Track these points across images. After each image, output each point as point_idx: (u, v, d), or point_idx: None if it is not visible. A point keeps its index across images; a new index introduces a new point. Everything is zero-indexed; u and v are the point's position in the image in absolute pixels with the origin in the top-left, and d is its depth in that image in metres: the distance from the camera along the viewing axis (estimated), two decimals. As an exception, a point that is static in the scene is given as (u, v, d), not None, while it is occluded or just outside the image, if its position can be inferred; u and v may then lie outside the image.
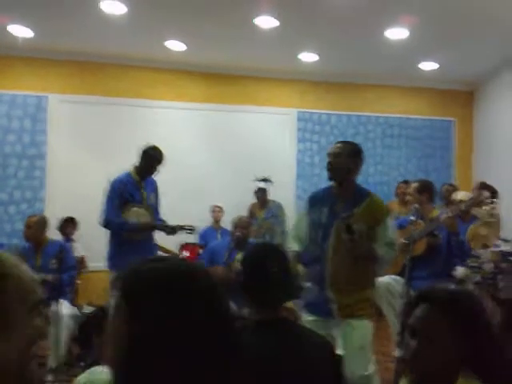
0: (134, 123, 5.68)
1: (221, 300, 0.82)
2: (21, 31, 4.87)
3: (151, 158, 3.66)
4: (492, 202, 3.54)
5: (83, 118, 5.58)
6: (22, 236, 4.50)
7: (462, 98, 6.47)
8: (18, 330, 0.80)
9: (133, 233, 3.57)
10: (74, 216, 5.10)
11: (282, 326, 1.57)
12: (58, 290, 3.42)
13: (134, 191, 3.65)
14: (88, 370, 1.72)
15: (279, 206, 5.43)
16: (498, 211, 3.69)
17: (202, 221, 5.22)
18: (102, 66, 5.61)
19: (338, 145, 2.61)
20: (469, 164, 6.44)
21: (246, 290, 1.63)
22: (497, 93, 5.95)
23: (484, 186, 3.92)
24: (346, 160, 2.53)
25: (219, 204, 5.54)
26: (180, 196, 5.45)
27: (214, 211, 5.52)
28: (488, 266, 2.76)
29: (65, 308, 3.74)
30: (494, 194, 3.80)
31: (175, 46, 5.27)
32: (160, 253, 4.23)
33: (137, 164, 3.72)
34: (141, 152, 3.69)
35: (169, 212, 4.00)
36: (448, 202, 4.23)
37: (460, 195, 3.82)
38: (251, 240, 4.06)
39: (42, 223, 4.07)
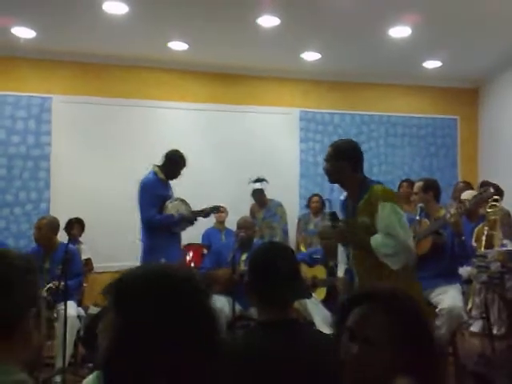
0: (138, 124, 5.70)
1: (203, 304, 0.88)
2: (24, 33, 4.88)
3: (178, 164, 3.83)
4: (496, 200, 3.53)
5: (87, 119, 5.59)
6: (27, 237, 4.50)
7: (466, 95, 6.46)
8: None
9: (176, 225, 3.77)
10: (79, 216, 5.07)
11: (292, 327, 1.57)
12: (64, 295, 3.40)
13: (164, 189, 3.83)
14: (96, 372, 1.73)
15: (278, 205, 5.42)
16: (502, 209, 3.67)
17: (206, 221, 5.22)
18: (105, 67, 5.62)
19: (329, 148, 2.63)
20: (474, 162, 6.43)
21: (254, 290, 1.63)
22: (502, 90, 5.93)
23: (485, 184, 3.90)
24: (334, 163, 2.55)
25: (222, 204, 5.54)
26: (183, 195, 5.43)
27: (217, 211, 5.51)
28: (495, 266, 2.75)
29: (71, 309, 3.74)
30: (497, 191, 3.77)
31: (178, 46, 5.27)
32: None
33: (159, 163, 3.86)
34: (166, 156, 3.85)
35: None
36: (459, 200, 4.20)
37: (465, 194, 3.80)
38: (256, 240, 4.05)
39: (53, 225, 3.95)
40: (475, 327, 4.03)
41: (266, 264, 1.62)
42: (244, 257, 3.83)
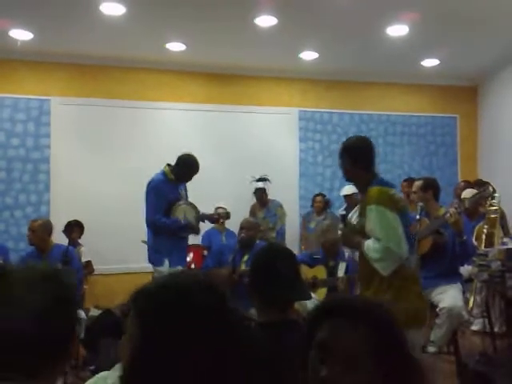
0: (137, 125, 5.69)
1: (224, 313, 0.88)
2: (22, 35, 4.88)
3: (191, 168, 3.79)
4: (494, 198, 3.53)
5: (86, 121, 5.59)
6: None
7: (465, 93, 6.45)
8: None
9: (180, 231, 3.75)
10: (79, 218, 5.08)
11: (292, 328, 1.57)
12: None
13: (172, 191, 3.79)
14: (97, 375, 1.73)
15: (278, 205, 5.43)
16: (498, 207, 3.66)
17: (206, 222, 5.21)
18: (103, 69, 5.62)
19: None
20: (474, 160, 6.42)
21: (255, 291, 1.64)
22: (501, 87, 5.92)
23: (480, 183, 3.89)
24: (342, 162, 2.57)
25: (222, 205, 5.53)
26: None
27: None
28: (495, 264, 2.74)
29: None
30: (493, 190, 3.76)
31: (175, 46, 5.27)
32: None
33: (170, 164, 3.83)
34: (180, 159, 3.80)
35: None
36: (459, 199, 4.20)
37: (465, 193, 3.80)
38: (258, 242, 4.04)
39: (47, 227, 3.99)
40: (476, 326, 4.03)
41: (267, 265, 1.63)
42: (246, 258, 3.83)
